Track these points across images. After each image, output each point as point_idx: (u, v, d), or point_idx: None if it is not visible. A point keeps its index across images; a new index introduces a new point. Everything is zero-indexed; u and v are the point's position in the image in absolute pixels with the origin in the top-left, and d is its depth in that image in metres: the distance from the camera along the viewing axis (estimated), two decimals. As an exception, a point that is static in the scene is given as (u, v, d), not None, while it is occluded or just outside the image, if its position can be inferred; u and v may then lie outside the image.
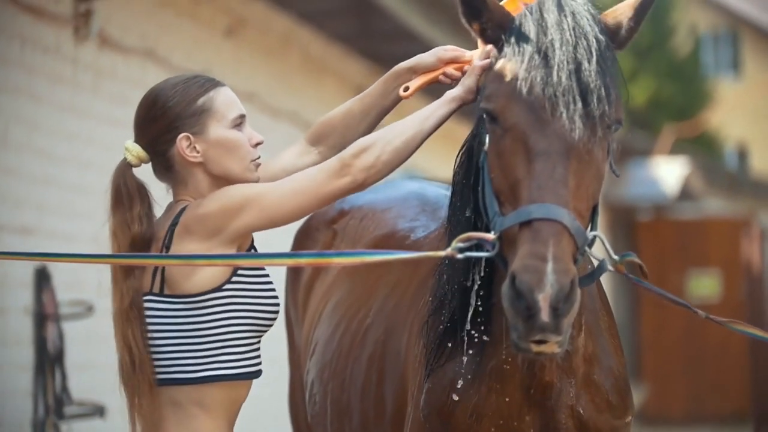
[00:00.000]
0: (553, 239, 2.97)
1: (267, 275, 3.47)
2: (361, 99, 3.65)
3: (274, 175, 3.62)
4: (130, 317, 3.39)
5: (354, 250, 3.40)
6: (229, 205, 3.36)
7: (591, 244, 3.16)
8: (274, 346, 6.87)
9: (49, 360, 6.68)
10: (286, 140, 10.17)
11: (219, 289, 3.38)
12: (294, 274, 4.88)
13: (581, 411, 3.40)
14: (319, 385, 4.11)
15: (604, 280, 3.49)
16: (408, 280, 3.79)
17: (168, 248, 3.39)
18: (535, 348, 2.98)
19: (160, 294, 3.40)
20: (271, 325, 3.47)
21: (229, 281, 3.39)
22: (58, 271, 6.81)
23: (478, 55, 3.48)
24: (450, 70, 3.57)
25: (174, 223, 3.41)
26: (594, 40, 3.15)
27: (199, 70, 8.53)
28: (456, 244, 3.20)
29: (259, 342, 3.47)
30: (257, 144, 3.52)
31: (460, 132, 8.15)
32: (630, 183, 19.62)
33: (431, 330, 3.45)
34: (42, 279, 6.72)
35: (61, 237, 7.02)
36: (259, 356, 3.47)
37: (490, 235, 3.13)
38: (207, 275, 3.37)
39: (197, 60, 8.74)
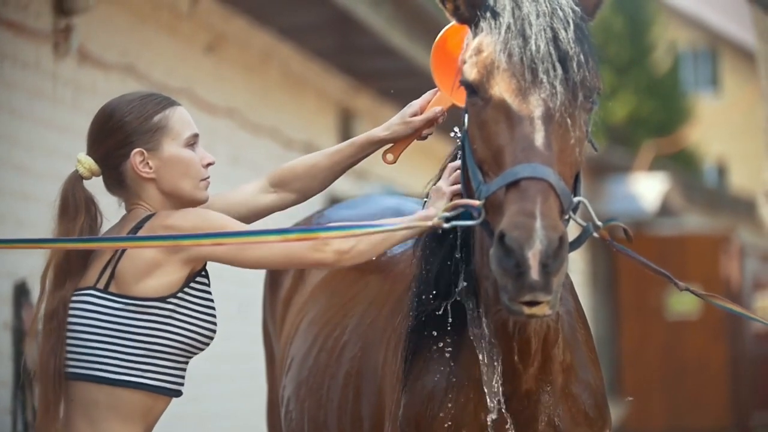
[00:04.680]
0: (540, 196, 2.99)
1: (212, 300, 3.51)
2: (329, 156, 3.73)
3: (228, 205, 3.70)
4: (52, 326, 3.46)
5: (342, 224, 3.42)
6: (202, 228, 3.38)
7: (575, 209, 3.18)
8: (252, 361, 6.83)
9: (28, 376, 6.65)
10: (267, 156, 10.19)
11: (163, 299, 3.41)
12: (272, 288, 4.87)
13: (558, 423, 3.40)
14: (295, 402, 4.11)
15: (582, 295, 3.51)
16: (385, 297, 3.81)
17: (123, 252, 3.42)
18: (527, 310, 2.98)
19: (104, 290, 3.43)
20: (202, 349, 3.51)
21: (175, 295, 3.42)
22: (38, 286, 6.78)
23: (435, 98, 3.64)
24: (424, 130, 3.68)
25: (137, 227, 3.45)
26: (570, 11, 3.20)
27: (179, 86, 8.55)
28: (442, 213, 3.24)
29: (186, 363, 3.50)
30: (208, 164, 3.58)
31: (438, 147, 8.18)
32: (609, 199, 19.67)
33: (409, 339, 3.47)
34: (21, 294, 6.70)
35: (40, 252, 6.98)
36: (183, 377, 3.50)
37: (476, 201, 3.16)
38: (157, 282, 3.40)
39: (177, 76, 8.74)
